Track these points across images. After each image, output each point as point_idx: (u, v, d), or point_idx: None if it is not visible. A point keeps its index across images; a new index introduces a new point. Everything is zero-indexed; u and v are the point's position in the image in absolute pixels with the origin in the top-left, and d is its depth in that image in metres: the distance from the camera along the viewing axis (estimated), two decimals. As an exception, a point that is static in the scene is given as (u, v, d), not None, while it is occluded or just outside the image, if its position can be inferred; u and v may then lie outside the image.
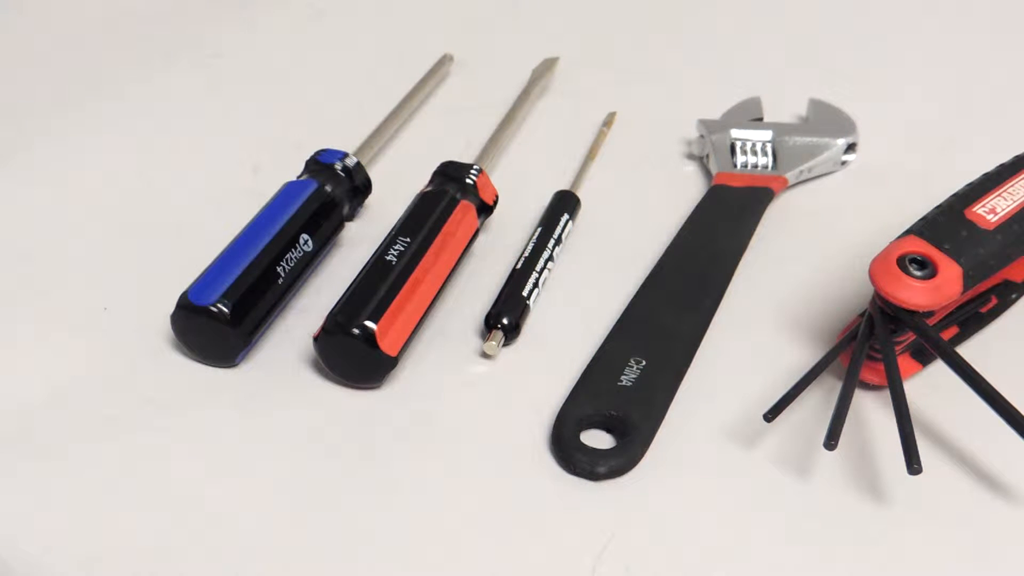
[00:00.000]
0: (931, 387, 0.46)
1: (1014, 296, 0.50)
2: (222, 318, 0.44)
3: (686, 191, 0.58)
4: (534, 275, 0.50)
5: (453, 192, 0.51)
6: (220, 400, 0.45)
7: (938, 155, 0.61)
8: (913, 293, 0.42)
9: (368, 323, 0.44)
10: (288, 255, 0.48)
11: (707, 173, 0.60)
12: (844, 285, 0.51)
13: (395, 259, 0.47)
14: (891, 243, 0.43)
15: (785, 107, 0.64)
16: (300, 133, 0.61)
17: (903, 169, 0.60)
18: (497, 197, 0.54)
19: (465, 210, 0.51)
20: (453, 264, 0.50)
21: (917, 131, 0.64)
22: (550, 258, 0.51)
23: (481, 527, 0.40)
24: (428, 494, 0.42)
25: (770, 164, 0.58)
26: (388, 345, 0.44)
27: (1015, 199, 0.46)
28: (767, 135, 0.59)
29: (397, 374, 0.46)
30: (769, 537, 0.40)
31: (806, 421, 0.44)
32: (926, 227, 0.44)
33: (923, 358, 0.47)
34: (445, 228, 0.49)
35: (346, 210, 0.53)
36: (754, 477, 0.42)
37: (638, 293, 0.50)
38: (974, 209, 0.45)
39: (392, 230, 0.49)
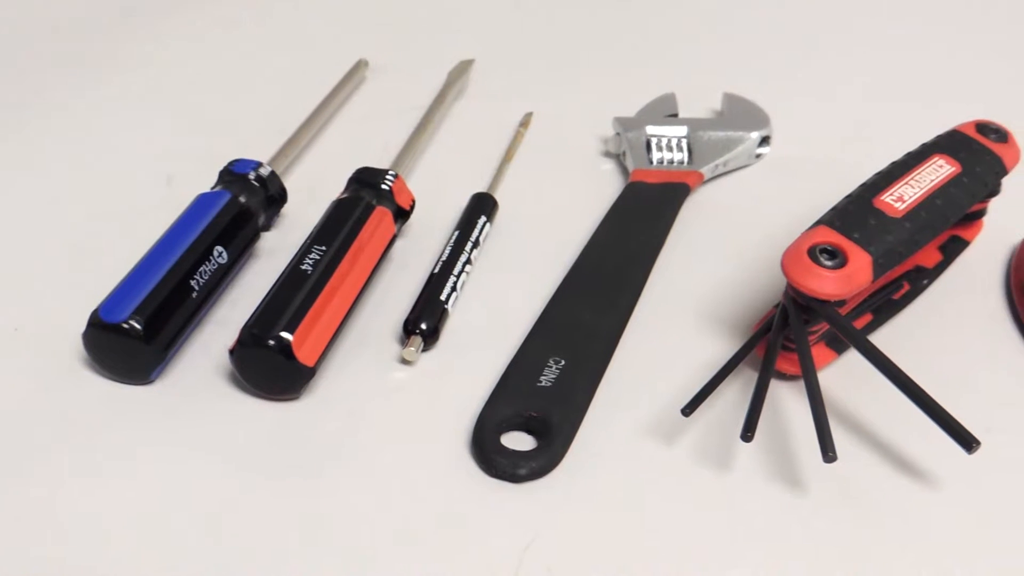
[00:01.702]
0: (847, 375, 0.46)
1: (926, 282, 0.51)
2: (134, 335, 0.44)
3: (603, 189, 0.58)
4: (452, 279, 0.49)
5: (369, 198, 0.51)
6: (136, 418, 0.44)
7: (850, 145, 0.62)
8: (824, 283, 0.42)
9: (284, 334, 0.43)
10: (202, 268, 0.47)
11: (624, 170, 0.60)
12: (760, 277, 0.51)
13: (310, 268, 0.46)
14: (802, 234, 0.44)
15: (700, 102, 0.64)
16: (215, 143, 0.60)
17: (816, 160, 0.61)
18: (414, 202, 0.54)
19: (381, 216, 0.51)
20: (370, 271, 0.49)
21: (829, 122, 0.65)
22: (468, 261, 0.51)
23: (404, 534, 0.40)
24: (350, 503, 0.41)
25: (686, 159, 0.59)
26: (305, 355, 0.44)
27: (922, 187, 0.46)
28: (682, 131, 0.60)
29: (316, 384, 0.46)
30: (689, 532, 0.40)
31: (725, 414, 0.45)
32: (836, 217, 0.44)
33: (838, 347, 0.47)
34: (361, 235, 0.49)
35: (261, 220, 0.52)
36: (674, 472, 0.42)
37: (556, 293, 0.50)
38: (882, 198, 0.45)
39: (307, 239, 0.49)
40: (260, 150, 0.57)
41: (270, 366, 0.44)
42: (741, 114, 0.62)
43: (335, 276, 0.47)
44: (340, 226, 0.49)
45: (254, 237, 0.52)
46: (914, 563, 0.39)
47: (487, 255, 0.53)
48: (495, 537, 0.40)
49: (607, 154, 0.61)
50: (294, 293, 0.45)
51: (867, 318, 0.49)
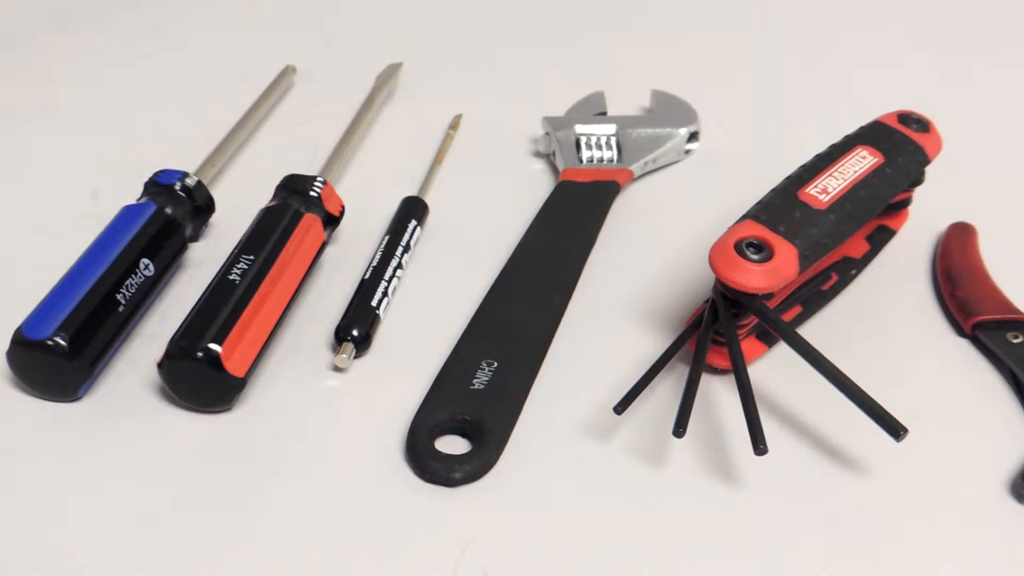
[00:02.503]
0: (778, 367, 0.47)
1: (854, 272, 0.52)
2: (60, 351, 0.43)
3: (534, 189, 0.58)
4: (383, 284, 0.49)
5: (297, 205, 0.51)
6: (64, 436, 0.44)
7: (778, 138, 0.63)
8: (751, 277, 0.42)
9: (212, 345, 0.43)
10: (128, 281, 0.47)
11: (554, 170, 0.60)
12: (691, 273, 0.52)
13: (238, 278, 0.46)
14: (729, 229, 0.44)
15: (629, 100, 0.65)
16: (141, 154, 0.59)
17: (745, 154, 0.61)
18: (343, 208, 0.53)
19: (310, 223, 0.50)
20: (300, 279, 0.49)
21: (757, 116, 0.66)
22: (399, 266, 0.51)
23: (340, 543, 0.40)
24: (285, 513, 0.41)
25: (615, 157, 0.59)
26: (234, 366, 0.43)
27: (845, 178, 0.47)
28: (611, 129, 0.60)
29: (248, 394, 0.45)
30: (626, 529, 0.40)
31: (659, 410, 0.45)
32: (761, 211, 0.45)
33: (768, 339, 0.47)
34: (289, 243, 0.48)
35: (189, 231, 0.52)
36: (609, 470, 0.42)
37: (488, 295, 0.50)
38: (807, 190, 0.46)
39: (235, 248, 0.48)
40: (187, 160, 0.56)
41: (199, 378, 0.43)
42: (669, 111, 0.62)
43: (264, 285, 0.46)
44: (268, 234, 0.48)
45: (182, 248, 0.51)
46: (846, 550, 0.39)
47: (419, 259, 0.53)
48: (431, 543, 0.40)
49: (537, 154, 0.61)
50: (222, 304, 0.45)
51: (796, 310, 0.49)
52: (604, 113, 0.62)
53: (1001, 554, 0.39)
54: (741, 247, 0.43)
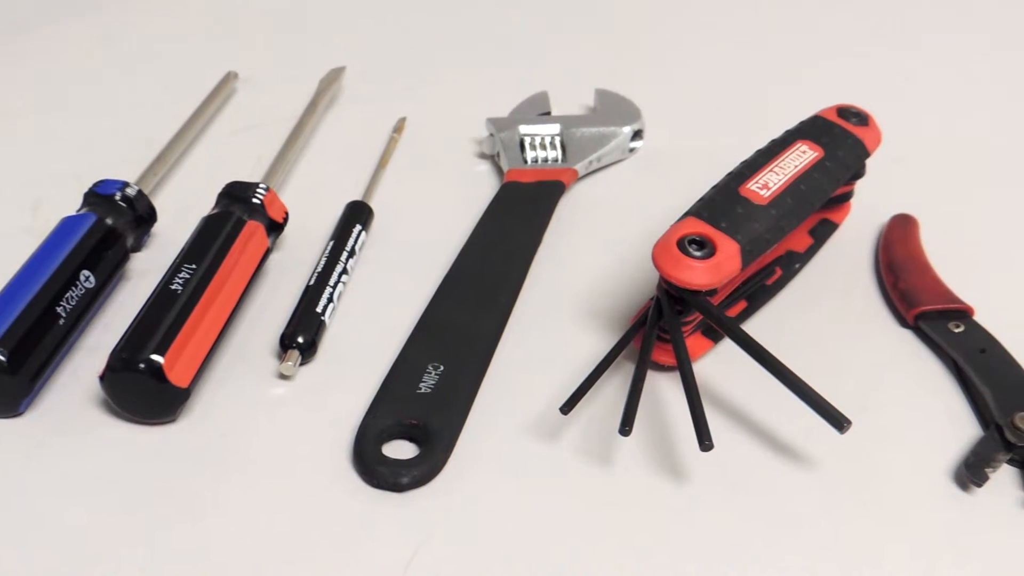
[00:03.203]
0: (724, 363, 0.47)
1: (797, 266, 0.52)
2: (-1, 366, 0.43)
3: (479, 191, 0.58)
4: (328, 290, 0.49)
5: (239, 213, 0.50)
6: (6, 452, 0.43)
7: (721, 135, 0.63)
8: (694, 273, 0.42)
9: (154, 356, 0.42)
10: (68, 294, 0.46)
11: (499, 171, 0.60)
12: (637, 270, 0.52)
13: (180, 288, 0.45)
14: (671, 226, 0.44)
15: (573, 99, 0.65)
16: (83, 164, 0.59)
17: (689, 151, 0.62)
18: (287, 214, 0.53)
19: (253, 230, 0.50)
20: (244, 287, 0.48)
21: (701, 113, 0.66)
22: (344, 271, 0.50)
23: (288, 551, 0.39)
24: (233, 524, 0.40)
25: (559, 157, 0.59)
26: (178, 377, 0.43)
27: (786, 173, 0.47)
28: (555, 129, 0.60)
29: (193, 404, 0.45)
30: (574, 529, 0.40)
31: (606, 408, 0.45)
32: (703, 208, 0.45)
33: (714, 335, 0.48)
34: (232, 251, 0.48)
35: (130, 241, 0.51)
36: (557, 470, 0.42)
37: (434, 298, 0.49)
38: (748, 186, 0.46)
39: (177, 258, 0.48)
40: (128, 169, 0.56)
41: (142, 390, 0.43)
42: (613, 109, 0.62)
43: (206, 294, 0.46)
44: (210, 243, 0.48)
45: (123, 259, 0.50)
46: (794, 542, 0.40)
47: (365, 263, 0.53)
48: (380, 549, 0.39)
49: (482, 155, 0.61)
50: (164, 314, 0.44)
51: (742, 305, 0.49)
52: (548, 113, 0.62)
53: (946, 541, 0.40)
54: (684, 244, 0.43)
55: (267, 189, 0.52)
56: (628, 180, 0.60)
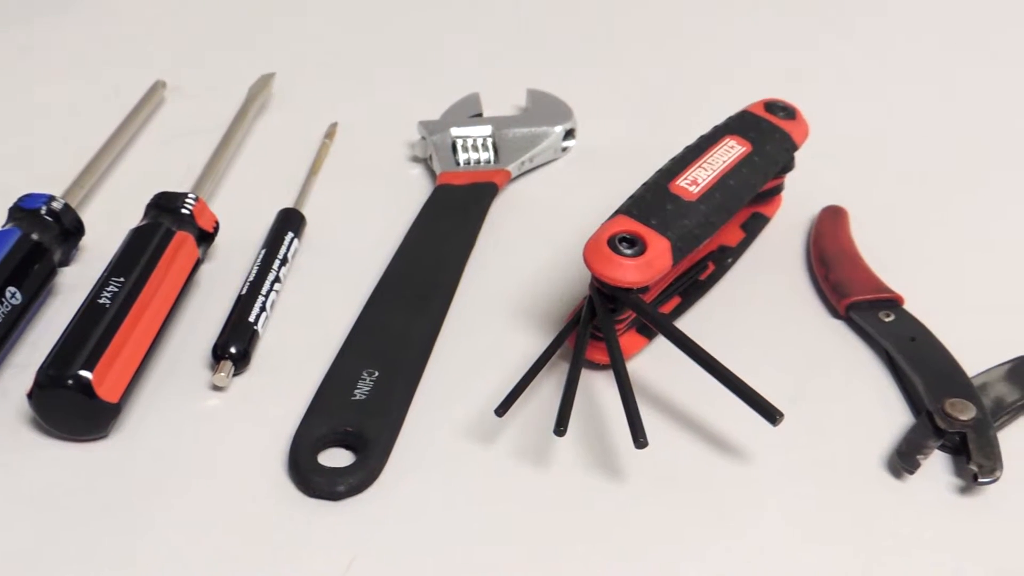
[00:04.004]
0: (660, 360, 0.47)
1: (730, 260, 0.52)
2: (-78, 388, 0.42)
3: (413, 194, 0.58)
4: (260, 299, 0.48)
5: (168, 224, 0.50)
6: (-67, 475, 0.42)
7: (653, 131, 0.63)
8: (625, 271, 0.43)
9: (82, 372, 0.42)
10: (-6, 311, 0.45)
11: (432, 174, 0.60)
12: (571, 270, 0.52)
13: (108, 302, 0.45)
14: (602, 225, 0.44)
15: (505, 100, 0.65)
16: (7, 178, 0.58)
17: (622, 148, 0.62)
18: (217, 223, 0.53)
19: (182, 241, 0.49)
20: (174, 299, 0.48)
21: (633, 110, 0.66)
22: (277, 279, 0.50)
23: (224, 563, 0.39)
24: (168, 537, 0.40)
25: (492, 158, 0.59)
26: (107, 392, 0.42)
27: (715, 169, 0.47)
28: (487, 130, 0.60)
29: (124, 420, 0.44)
30: (512, 532, 0.40)
31: (542, 409, 0.45)
32: (633, 205, 0.45)
33: (648, 333, 0.48)
34: (161, 262, 0.48)
35: (58, 256, 0.51)
36: (495, 473, 0.42)
37: (368, 304, 0.49)
38: (677, 182, 0.46)
39: (104, 271, 0.47)
40: (55, 182, 0.55)
41: (71, 407, 0.42)
42: (545, 109, 0.62)
43: (135, 308, 0.45)
44: (138, 255, 0.47)
45: (51, 274, 0.50)
46: (732, 535, 0.40)
47: (298, 271, 0.53)
48: (317, 558, 0.39)
49: (415, 159, 0.61)
50: (92, 329, 0.44)
51: (676, 301, 0.50)
52: (480, 115, 0.62)
53: (881, 529, 0.40)
54: (614, 242, 0.43)
55: (196, 199, 0.52)
56: (561, 179, 0.60)
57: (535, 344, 0.48)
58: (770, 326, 0.50)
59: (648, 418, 0.41)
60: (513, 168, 0.58)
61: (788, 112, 0.52)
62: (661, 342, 0.47)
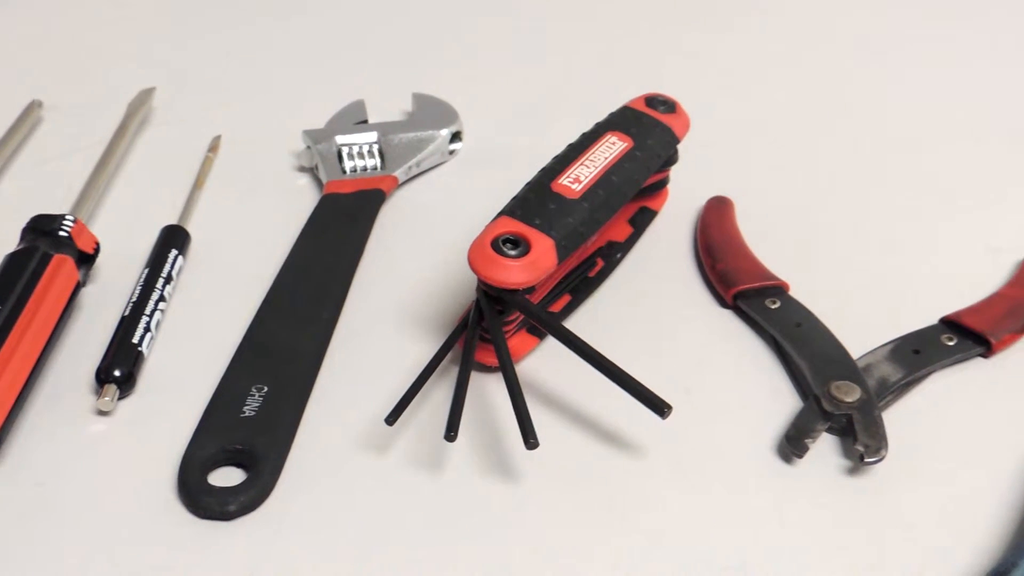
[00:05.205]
0: (551, 359, 0.47)
1: (619, 256, 0.53)
2: None
3: (300, 205, 0.57)
4: (144, 319, 0.47)
5: (45, 247, 0.48)
6: None
7: (539, 131, 0.63)
8: (510, 272, 0.42)
9: (-42, 404, 0.41)
10: None
11: (319, 184, 0.59)
12: (460, 273, 0.52)
13: (-16, 330, 0.44)
14: (485, 227, 0.44)
15: (391, 105, 0.64)
16: None
17: (509, 149, 0.62)
18: (98, 244, 0.51)
19: (60, 264, 0.48)
20: (54, 324, 0.47)
21: (518, 110, 0.66)
22: (161, 298, 0.49)
23: (115, 594, 0.38)
24: (56, 570, 0.39)
25: (379, 165, 0.58)
26: (-15, 423, 0.41)
27: (597, 166, 0.47)
28: (372, 137, 0.59)
29: (6, 450, 0.43)
30: (408, 541, 0.40)
31: (435, 415, 0.44)
32: (516, 206, 0.45)
33: (539, 333, 0.48)
34: (38, 288, 0.46)
35: (-70, 286, 0.49)
36: (389, 482, 0.42)
37: (255, 318, 0.48)
38: (559, 181, 0.46)
39: (-22, 300, 0.46)
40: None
41: (-53, 441, 0.41)
42: (430, 113, 0.62)
43: (12, 335, 0.44)
44: (13, 282, 0.46)
45: (-77, 305, 0.48)
46: (628, 528, 0.40)
47: (184, 288, 0.52)
48: (211, 580, 0.39)
49: (301, 169, 0.61)
50: (-34, 359, 0.42)
51: (566, 299, 0.50)
52: (365, 121, 0.62)
53: (772, 514, 0.41)
54: (498, 244, 0.43)
55: (75, 220, 0.50)
56: (449, 183, 0.60)
57: (427, 350, 0.47)
58: (660, 319, 0.50)
59: (541, 417, 0.41)
60: (400, 174, 0.58)
61: (668, 106, 0.52)
62: (552, 342, 0.47)
